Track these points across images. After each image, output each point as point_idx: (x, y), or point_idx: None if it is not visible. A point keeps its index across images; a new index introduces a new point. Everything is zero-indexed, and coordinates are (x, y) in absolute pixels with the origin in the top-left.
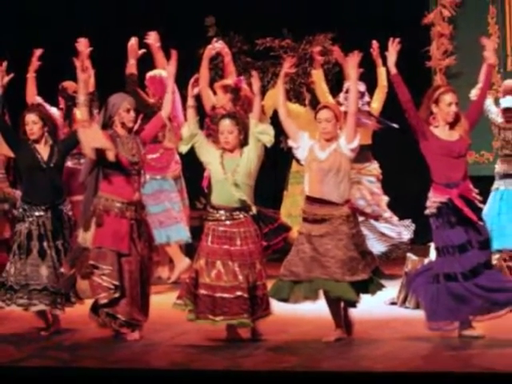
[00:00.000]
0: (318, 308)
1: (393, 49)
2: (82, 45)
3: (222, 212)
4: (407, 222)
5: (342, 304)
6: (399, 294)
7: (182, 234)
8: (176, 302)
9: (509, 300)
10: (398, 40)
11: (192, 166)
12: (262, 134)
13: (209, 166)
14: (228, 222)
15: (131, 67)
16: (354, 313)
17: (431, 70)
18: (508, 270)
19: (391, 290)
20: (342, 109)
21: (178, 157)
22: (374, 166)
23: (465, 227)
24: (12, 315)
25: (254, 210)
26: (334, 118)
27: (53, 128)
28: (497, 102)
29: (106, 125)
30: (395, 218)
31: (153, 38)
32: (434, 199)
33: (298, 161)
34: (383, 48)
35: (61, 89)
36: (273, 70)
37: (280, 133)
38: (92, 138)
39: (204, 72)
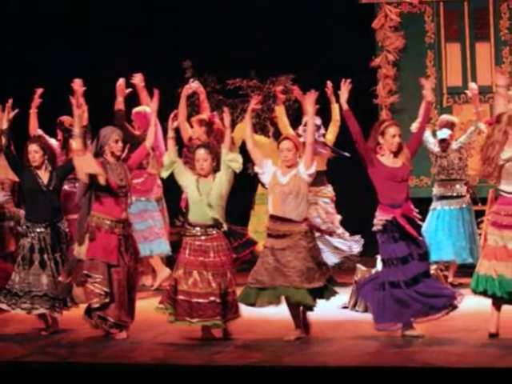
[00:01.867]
0: (280, 311)
1: (345, 88)
2: (77, 84)
3: (197, 228)
4: (357, 237)
5: (301, 308)
6: (350, 299)
7: (163, 247)
8: (158, 306)
9: (444, 305)
10: (349, 81)
11: (172, 189)
12: (232, 161)
13: (186, 189)
14: (203, 237)
15: (119, 104)
16: (311, 315)
17: (378, 106)
18: (444, 278)
19: (343, 295)
20: (301, 140)
21: (159, 181)
22: (329, 189)
23: (407, 242)
24: (16, 317)
25: (225, 226)
26: (294, 148)
27: (52, 156)
28: (434, 134)
29: (98, 153)
30: (347, 234)
31: (138, 79)
32: (380, 217)
33: (262, 184)
34: (336, 87)
35: (59, 122)
36: (241, 107)
37: (247, 160)
38: (85, 164)
39: (182, 108)
